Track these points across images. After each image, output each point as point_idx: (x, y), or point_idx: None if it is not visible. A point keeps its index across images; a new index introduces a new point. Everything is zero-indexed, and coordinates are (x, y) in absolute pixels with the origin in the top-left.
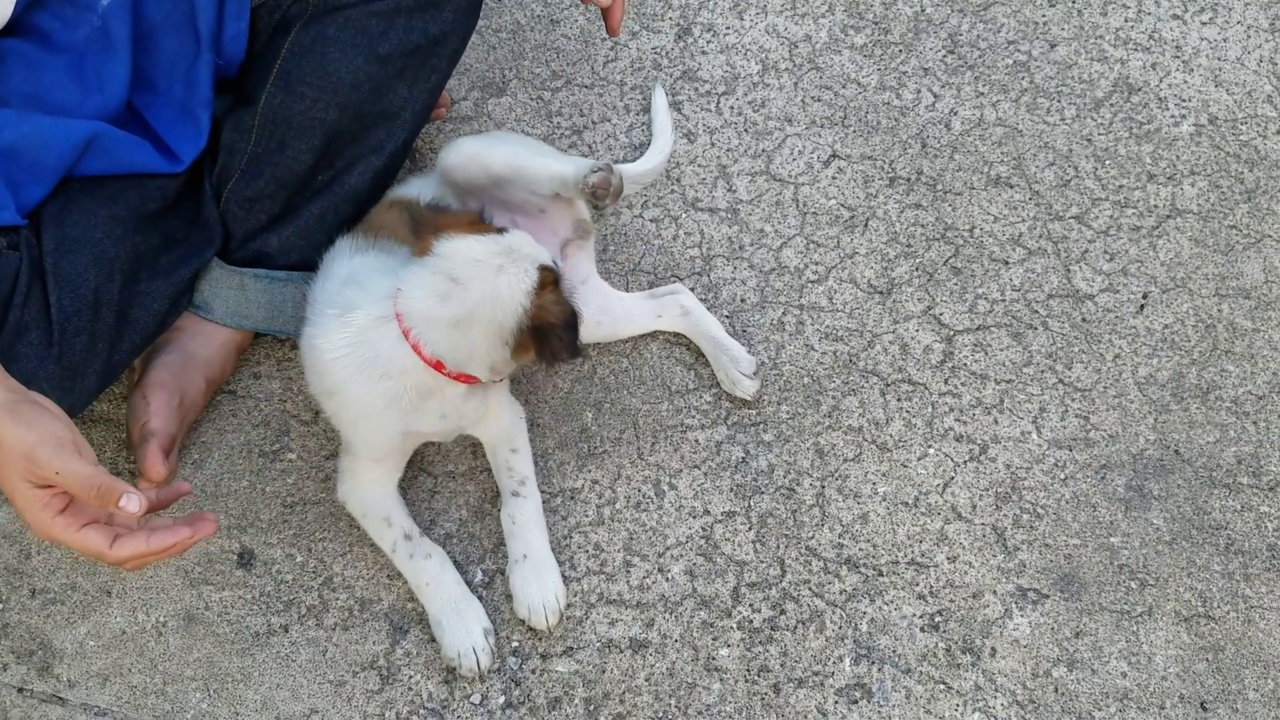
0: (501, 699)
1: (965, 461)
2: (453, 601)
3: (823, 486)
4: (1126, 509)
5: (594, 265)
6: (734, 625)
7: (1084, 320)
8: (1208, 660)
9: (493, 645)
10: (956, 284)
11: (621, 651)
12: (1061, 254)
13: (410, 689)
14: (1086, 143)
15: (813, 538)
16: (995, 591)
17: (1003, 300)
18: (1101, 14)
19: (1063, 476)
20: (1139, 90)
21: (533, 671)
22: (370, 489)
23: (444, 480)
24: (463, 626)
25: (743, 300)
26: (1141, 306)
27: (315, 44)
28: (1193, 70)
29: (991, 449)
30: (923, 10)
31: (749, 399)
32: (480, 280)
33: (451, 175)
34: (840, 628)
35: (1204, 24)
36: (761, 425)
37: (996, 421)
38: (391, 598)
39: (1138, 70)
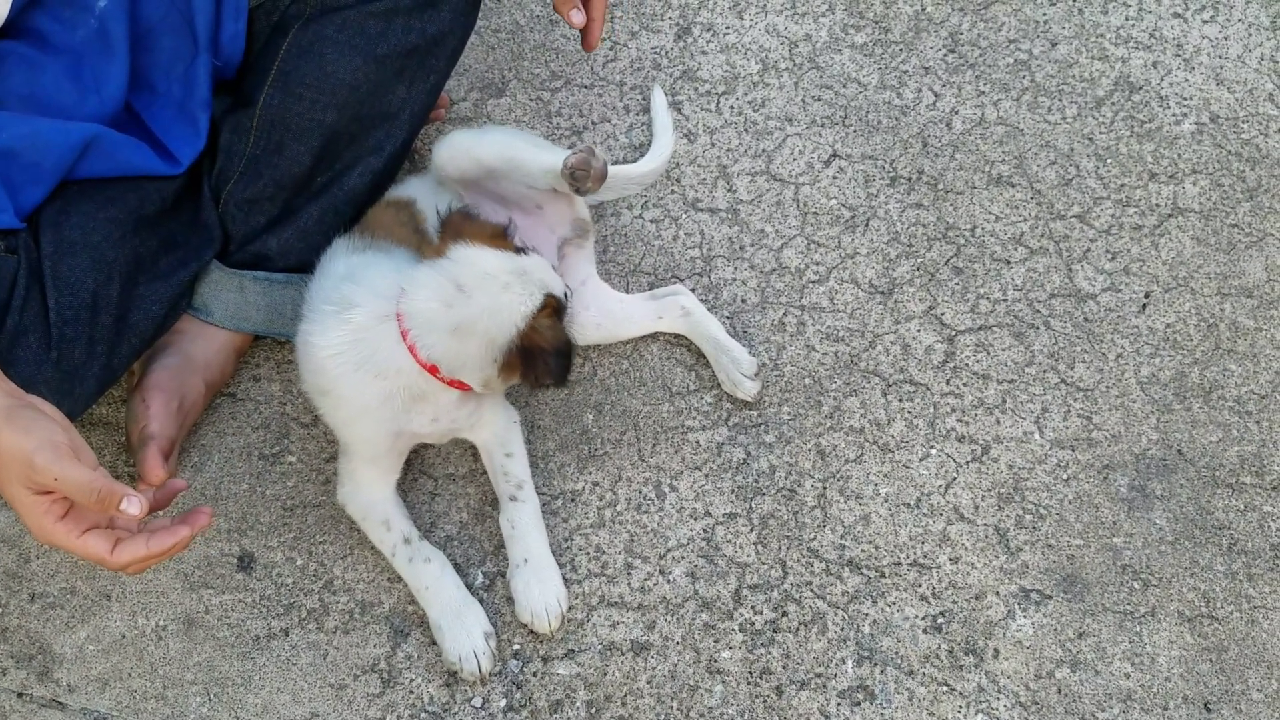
0: (503, 702)
1: (967, 462)
2: (453, 605)
3: (824, 488)
4: (1129, 509)
5: (594, 266)
6: (736, 627)
7: (1086, 320)
8: (1211, 661)
9: (494, 648)
10: (958, 284)
11: (623, 654)
12: (1063, 253)
13: (411, 692)
14: (1088, 141)
15: (814, 539)
16: (998, 592)
17: (1004, 300)
18: (1102, 12)
19: (1065, 477)
20: (1140, 89)
21: (534, 674)
22: (369, 492)
23: (444, 483)
24: (463, 630)
25: (743, 301)
26: (1144, 306)
27: (313, 45)
28: (1194, 68)
29: (994, 449)
30: (923, 9)
31: (750, 400)
32: (485, 293)
33: (444, 169)
34: (842, 629)
35: (1205, 22)
36: (763, 426)
37: (999, 422)
38: (392, 601)
39: (1139, 69)
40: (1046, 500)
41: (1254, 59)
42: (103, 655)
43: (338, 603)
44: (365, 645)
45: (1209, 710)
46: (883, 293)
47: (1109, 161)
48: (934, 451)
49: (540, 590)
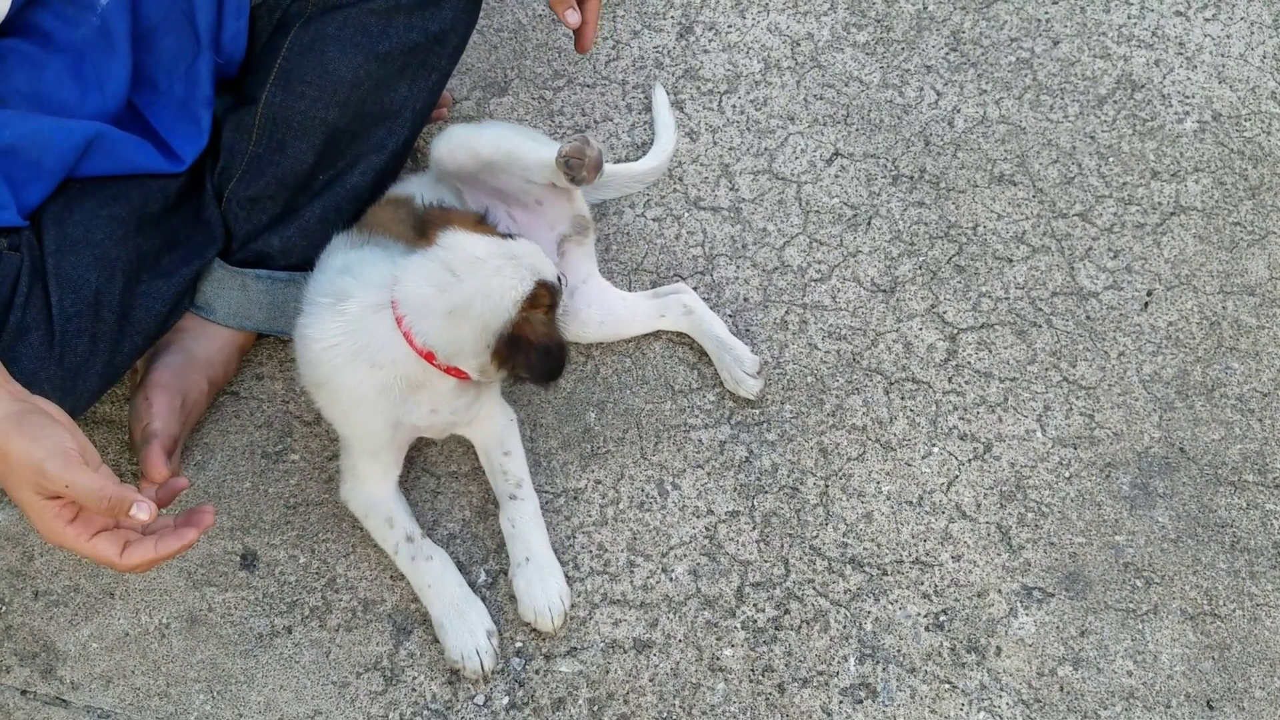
0: (505, 699)
1: (969, 460)
2: (455, 603)
3: (826, 486)
4: (1131, 507)
5: (595, 264)
6: (738, 625)
7: (1088, 318)
8: (1214, 659)
9: (496, 646)
10: (960, 282)
11: (625, 652)
12: (1065, 251)
13: (414, 690)
14: (1090, 140)
15: (816, 537)
16: (1000, 590)
17: (1006, 298)
18: (1104, 11)
19: (1067, 475)
20: (1142, 87)
21: (536, 672)
22: (371, 488)
23: (447, 481)
24: (466, 628)
25: (746, 299)
26: (1146, 304)
27: (315, 43)
28: (1196, 67)
29: (996, 447)
30: (925, 8)
31: (752, 398)
32: (477, 276)
33: (442, 163)
34: (845, 627)
35: (1207, 20)
36: (765, 424)
37: (1001, 420)
38: (395, 598)
39: (1141, 67)
40: (1049, 498)
41: (1256, 57)
42: (106, 653)
43: (340, 600)
44: (368, 643)
45: (1211, 708)
46: (885, 291)
47: (1111, 160)
48: (936, 449)
49: (543, 589)
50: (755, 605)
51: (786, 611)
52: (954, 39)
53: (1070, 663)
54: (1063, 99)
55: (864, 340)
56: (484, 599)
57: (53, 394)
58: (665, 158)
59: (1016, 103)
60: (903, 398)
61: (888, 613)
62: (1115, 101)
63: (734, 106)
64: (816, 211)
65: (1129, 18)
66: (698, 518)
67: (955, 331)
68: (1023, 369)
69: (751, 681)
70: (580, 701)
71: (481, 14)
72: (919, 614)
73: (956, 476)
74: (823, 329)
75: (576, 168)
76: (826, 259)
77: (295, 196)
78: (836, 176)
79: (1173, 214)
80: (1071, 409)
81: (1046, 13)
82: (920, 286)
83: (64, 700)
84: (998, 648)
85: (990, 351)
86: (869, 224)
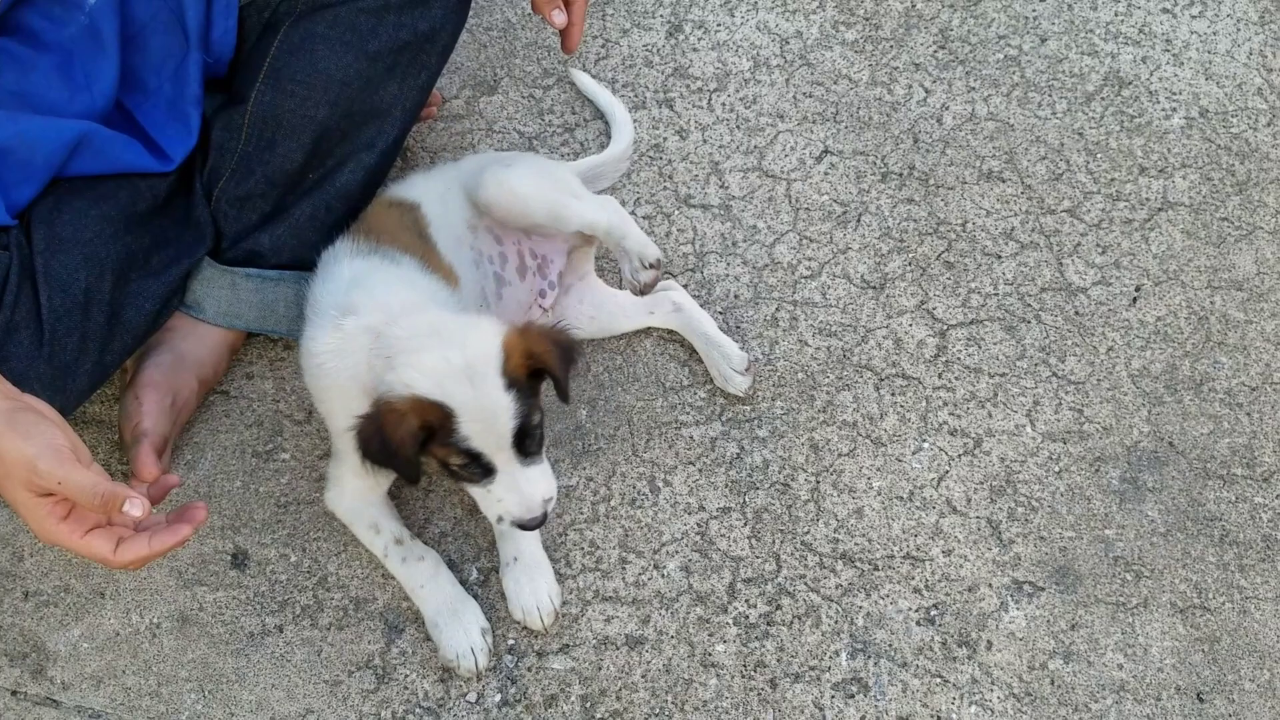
0: (498, 697)
1: (959, 455)
2: (449, 603)
3: (817, 481)
4: (1121, 501)
5: (593, 263)
6: (730, 621)
7: (1077, 313)
8: (1204, 651)
9: (490, 644)
10: (949, 278)
11: (618, 648)
12: (1054, 247)
13: (406, 688)
14: (1078, 136)
15: (808, 533)
16: (990, 585)
17: (995, 294)
18: (1091, 8)
19: (1057, 469)
20: (1130, 84)
21: (529, 669)
22: (354, 499)
23: (437, 479)
24: (460, 627)
25: (736, 296)
26: (1134, 299)
27: (305, 42)
28: (1183, 64)
29: (985, 442)
30: (913, 6)
31: (741, 395)
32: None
33: (491, 209)
34: (836, 622)
35: (1194, 17)
36: (756, 421)
37: (990, 415)
38: (386, 597)
39: (1128, 64)
40: (1038, 493)
41: (1242, 54)
42: (97, 653)
43: (332, 599)
44: (359, 641)
45: (1201, 700)
46: (875, 288)
47: (1099, 156)
48: (926, 445)
49: (532, 589)
50: (747, 601)
51: (778, 607)
52: (942, 37)
53: (1061, 656)
54: (1051, 96)
55: (854, 336)
56: (476, 596)
57: (42, 393)
58: (628, 137)
59: (1005, 100)
60: (893, 393)
61: (879, 608)
62: (1103, 98)
63: (723, 104)
64: (806, 209)
65: (1116, 15)
66: (689, 514)
67: (945, 327)
68: (1012, 364)
69: (743, 677)
70: (573, 698)
71: (471, 13)
72: (910, 609)
73: (947, 472)
74: (813, 325)
75: (648, 292)
76: (816, 256)
77: (285, 195)
78: (826, 174)
79: (1160, 210)
80: (1061, 404)
81: (1034, 10)
82: (910, 283)
83: (55, 700)
84: (988, 642)
85: (980, 347)
86: (859, 221)
